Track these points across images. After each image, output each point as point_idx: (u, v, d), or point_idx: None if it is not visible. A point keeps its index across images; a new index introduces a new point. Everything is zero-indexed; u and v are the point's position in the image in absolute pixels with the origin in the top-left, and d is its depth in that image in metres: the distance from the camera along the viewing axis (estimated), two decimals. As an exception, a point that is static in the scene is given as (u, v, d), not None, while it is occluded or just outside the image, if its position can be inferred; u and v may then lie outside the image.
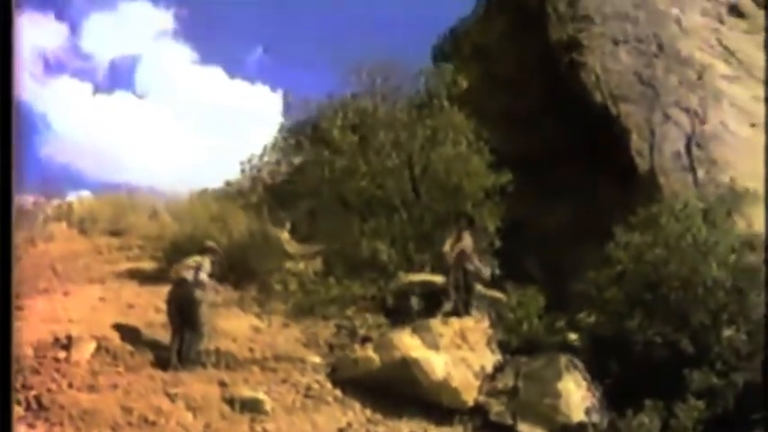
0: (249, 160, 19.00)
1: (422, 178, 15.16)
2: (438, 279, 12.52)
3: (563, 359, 10.87)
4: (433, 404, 10.16)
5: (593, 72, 16.68)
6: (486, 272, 13.19)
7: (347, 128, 15.54)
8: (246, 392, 9.55)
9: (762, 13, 18.74)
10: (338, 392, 10.12)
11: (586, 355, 11.24)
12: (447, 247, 12.12)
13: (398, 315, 12.13)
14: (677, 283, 11.21)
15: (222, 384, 9.71)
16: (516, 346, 11.76)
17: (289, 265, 14.02)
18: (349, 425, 9.56)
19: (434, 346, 10.60)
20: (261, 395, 9.54)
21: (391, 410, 9.97)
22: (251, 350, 10.83)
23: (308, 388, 10.08)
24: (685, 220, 11.91)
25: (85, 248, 15.17)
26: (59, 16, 68.09)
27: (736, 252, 11.37)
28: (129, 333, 10.47)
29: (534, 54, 17.83)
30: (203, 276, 10.46)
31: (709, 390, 10.03)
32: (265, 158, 19.21)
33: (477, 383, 10.59)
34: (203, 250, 11.01)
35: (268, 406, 9.38)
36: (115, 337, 10.25)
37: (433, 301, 12.08)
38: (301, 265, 14.10)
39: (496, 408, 10.31)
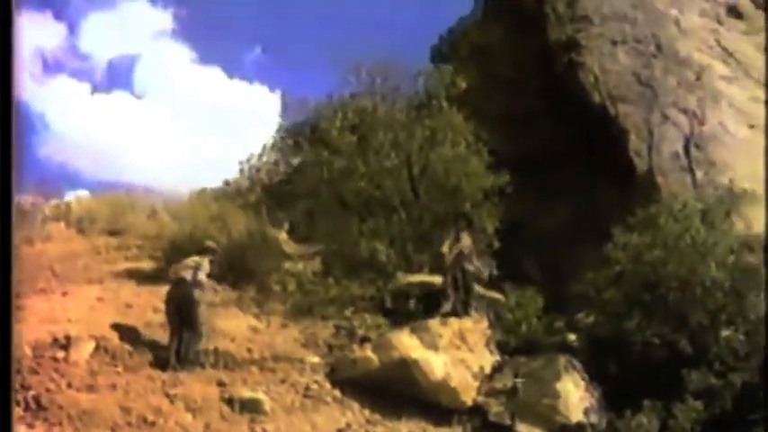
0: (248, 160, 19.08)
1: (421, 179, 15.17)
2: (437, 280, 12.51)
3: (562, 360, 10.88)
4: (431, 404, 10.16)
5: (591, 72, 16.70)
6: (485, 272, 13.22)
7: (346, 128, 15.55)
8: (245, 393, 9.54)
9: (760, 13, 18.77)
10: (337, 393, 10.11)
11: (585, 355, 11.25)
12: (446, 248, 12.13)
13: (397, 315, 12.14)
14: (676, 284, 11.22)
15: (221, 384, 9.71)
16: (515, 346, 11.77)
17: (287, 265, 14.03)
18: (348, 425, 9.56)
19: (433, 346, 10.61)
20: (260, 395, 9.53)
21: (390, 411, 9.97)
22: (249, 350, 10.82)
23: (307, 388, 10.07)
24: (684, 220, 11.93)
25: (84, 248, 15.15)
26: (58, 16, 68.17)
27: (735, 253, 11.39)
28: (127, 333, 10.46)
29: (533, 55, 17.84)
30: (202, 276, 10.45)
31: (707, 390, 10.04)
32: (264, 158, 19.26)
33: (475, 384, 10.59)
34: (202, 250, 11.01)
35: (267, 406, 9.38)
36: (114, 337, 10.24)
37: (431, 302, 12.08)
38: (300, 266, 14.11)
39: (495, 408, 10.31)
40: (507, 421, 10.16)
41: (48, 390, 8.71)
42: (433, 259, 13.26)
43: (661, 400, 9.90)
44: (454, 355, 10.71)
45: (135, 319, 11.06)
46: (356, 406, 9.95)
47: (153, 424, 8.58)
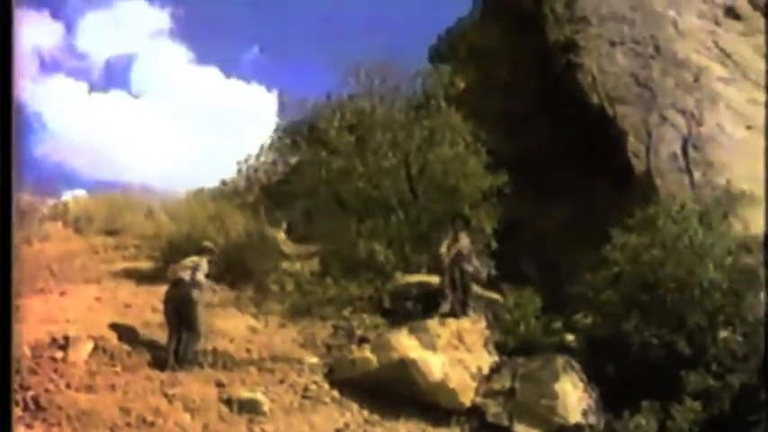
0: (246, 160, 19.08)
1: (419, 179, 15.17)
2: (435, 280, 12.50)
3: (560, 360, 10.87)
4: (430, 405, 10.15)
5: (589, 74, 16.70)
6: (483, 273, 13.22)
7: (344, 128, 15.54)
8: (244, 393, 9.54)
9: (757, 15, 18.79)
10: (335, 393, 10.11)
11: (583, 356, 11.24)
12: (444, 248, 12.11)
13: (395, 316, 12.14)
14: (674, 285, 11.21)
15: (219, 385, 9.71)
16: (513, 347, 11.75)
17: (285, 265, 14.03)
18: (346, 425, 9.55)
19: (431, 346, 10.60)
20: (258, 396, 9.54)
21: (388, 411, 9.96)
22: (248, 350, 10.83)
23: (306, 388, 10.07)
24: (682, 221, 11.92)
25: (81, 248, 15.12)
26: (55, 15, 67.73)
27: (733, 254, 11.38)
28: (126, 333, 10.46)
29: (531, 55, 17.85)
30: (200, 276, 10.46)
31: (705, 391, 10.04)
32: (262, 158, 19.26)
33: (474, 384, 10.58)
34: (200, 250, 11.01)
35: (266, 407, 9.38)
36: (112, 337, 10.24)
37: (430, 302, 12.08)
38: (298, 266, 14.10)
39: (493, 409, 10.30)
40: (505, 422, 10.14)
41: (46, 390, 8.71)
42: (432, 259, 13.25)
43: (659, 401, 9.89)
44: (452, 355, 10.71)
45: (133, 319, 11.06)
46: (355, 406, 9.95)
47: (152, 424, 8.58)
